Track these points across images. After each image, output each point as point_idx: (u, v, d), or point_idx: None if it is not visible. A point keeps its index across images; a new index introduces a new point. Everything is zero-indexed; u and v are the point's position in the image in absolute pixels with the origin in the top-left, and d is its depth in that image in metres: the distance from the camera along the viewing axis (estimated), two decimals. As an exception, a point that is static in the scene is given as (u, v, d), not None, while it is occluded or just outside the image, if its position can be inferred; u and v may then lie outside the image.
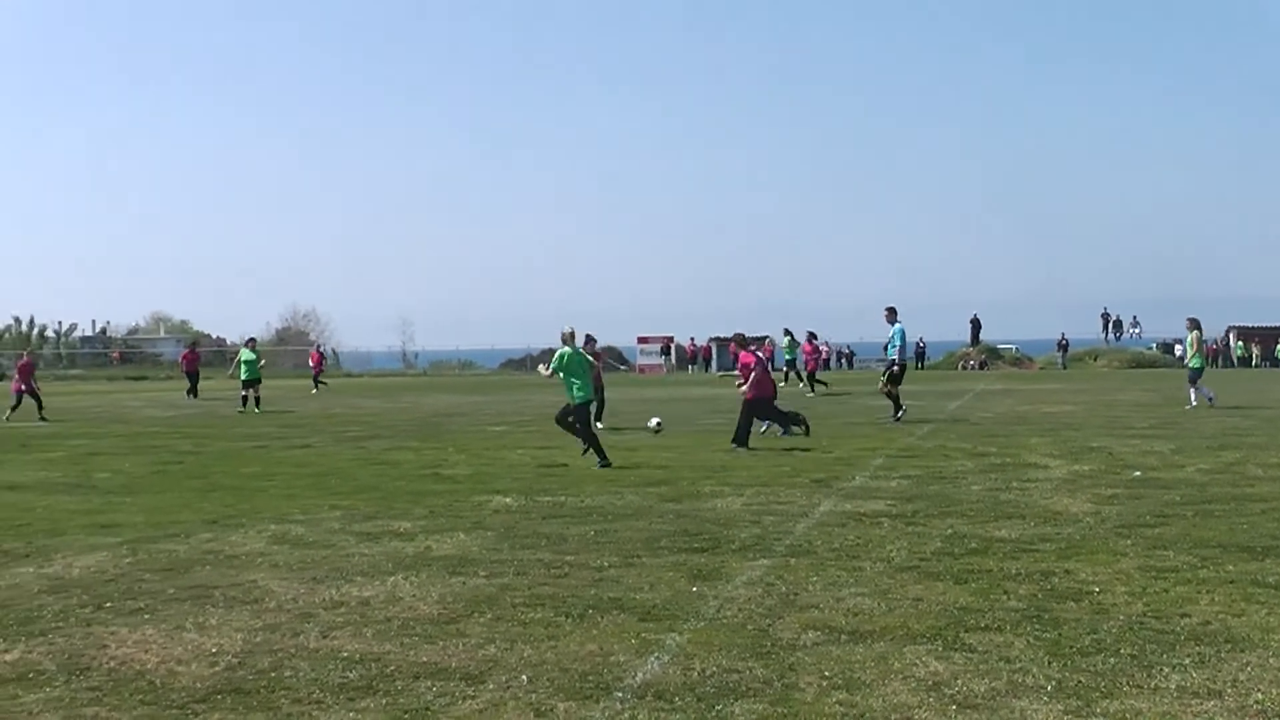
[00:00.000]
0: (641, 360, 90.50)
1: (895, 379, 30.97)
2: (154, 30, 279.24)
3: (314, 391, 55.88)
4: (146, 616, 9.83)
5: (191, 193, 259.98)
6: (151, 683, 7.94)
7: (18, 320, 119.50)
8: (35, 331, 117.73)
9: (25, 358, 39.78)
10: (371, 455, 23.35)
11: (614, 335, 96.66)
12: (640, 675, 7.87)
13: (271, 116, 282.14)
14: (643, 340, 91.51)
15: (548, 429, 29.38)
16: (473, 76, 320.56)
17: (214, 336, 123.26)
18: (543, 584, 10.79)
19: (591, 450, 21.15)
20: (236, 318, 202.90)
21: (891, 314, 30.82)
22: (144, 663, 8.44)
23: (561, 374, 21.47)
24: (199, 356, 55.94)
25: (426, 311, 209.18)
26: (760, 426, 26.31)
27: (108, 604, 10.33)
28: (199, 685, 7.84)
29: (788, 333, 52.10)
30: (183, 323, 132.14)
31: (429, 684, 7.76)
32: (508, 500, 16.31)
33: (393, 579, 11.10)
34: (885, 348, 32.83)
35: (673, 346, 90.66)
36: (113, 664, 8.44)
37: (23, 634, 9.36)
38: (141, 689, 7.80)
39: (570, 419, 22.58)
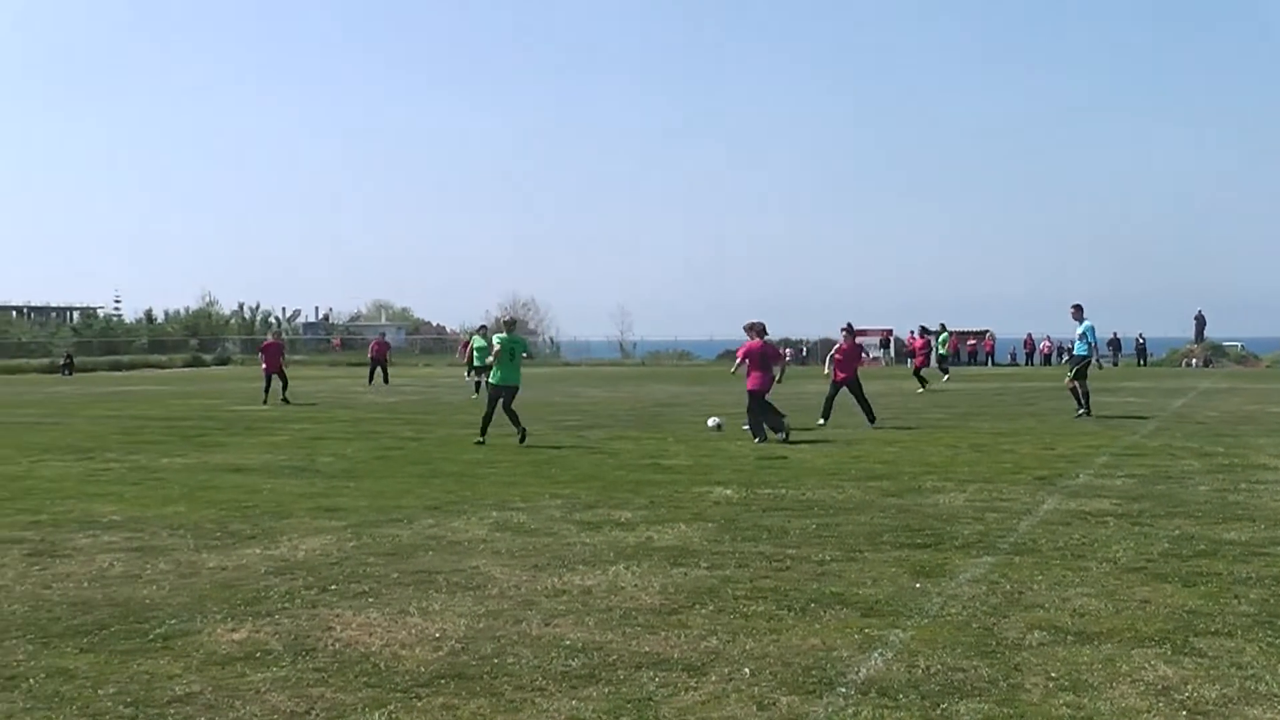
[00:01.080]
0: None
1: (1082, 374, 30.91)
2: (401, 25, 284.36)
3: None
4: (371, 600, 10.01)
5: (417, 182, 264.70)
6: (376, 665, 8.07)
7: (242, 306, 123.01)
8: (260, 318, 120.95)
9: (270, 339, 40.76)
10: (591, 444, 23.48)
11: (834, 328, 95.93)
12: (863, 671, 7.79)
13: (496, 108, 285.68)
14: (861, 333, 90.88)
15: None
16: (703, 72, 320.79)
17: (434, 324, 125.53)
18: (764, 577, 10.74)
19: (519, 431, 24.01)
20: (456, 306, 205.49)
21: (1078, 311, 30.93)
22: (368, 645, 8.58)
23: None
24: (389, 346, 56.41)
25: (644, 301, 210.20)
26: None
27: (332, 586, 10.54)
28: (422, 669, 7.94)
29: (943, 327, 51.36)
30: (403, 310, 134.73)
31: (651, 674, 7.76)
32: (728, 492, 16.29)
33: (614, 568, 11.15)
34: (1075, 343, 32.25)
35: (892, 339, 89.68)
36: (338, 646, 8.58)
37: (250, 614, 9.58)
38: (366, 671, 7.93)
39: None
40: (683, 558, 11.66)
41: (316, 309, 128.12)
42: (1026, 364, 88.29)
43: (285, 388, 38.66)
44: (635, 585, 10.43)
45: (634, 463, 20.24)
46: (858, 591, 10.11)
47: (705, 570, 11.05)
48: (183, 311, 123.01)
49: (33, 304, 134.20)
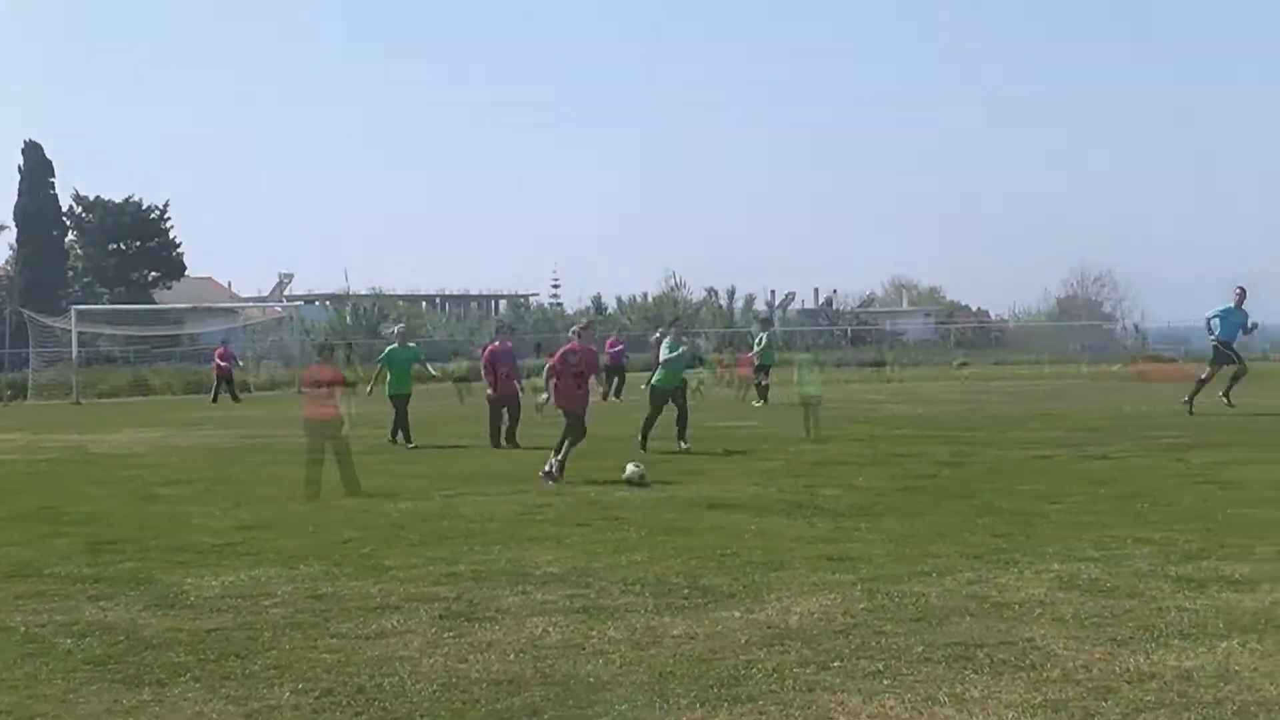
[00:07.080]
0: None
1: None
2: None
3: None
4: (886, 682, 9.99)
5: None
6: (897, 772, 8.02)
7: (712, 292, 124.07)
8: (741, 304, 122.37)
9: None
10: (1195, 470, 22.82)
11: None
12: None
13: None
14: None
15: None
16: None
17: (973, 309, 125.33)
18: None
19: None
20: (1003, 285, 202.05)
21: None
22: (883, 744, 8.53)
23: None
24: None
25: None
26: None
27: (835, 663, 10.56)
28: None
29: None
30: (931, 291, 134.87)
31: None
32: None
33: (1224, 644, 10.81)
34: None
35: None
36: (842, 744, 8.55)
37: (726, 697, 9.69)
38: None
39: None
40: (1328, 635, 11.15)
41: (816, 291, 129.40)
42: None
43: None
44: (1254, 669, 10.07)
45: (1259, 496, 19.57)
46: None
47: (1349, 651, 10.56)
48: (640, 298, 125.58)
49: (447, 292, 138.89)
